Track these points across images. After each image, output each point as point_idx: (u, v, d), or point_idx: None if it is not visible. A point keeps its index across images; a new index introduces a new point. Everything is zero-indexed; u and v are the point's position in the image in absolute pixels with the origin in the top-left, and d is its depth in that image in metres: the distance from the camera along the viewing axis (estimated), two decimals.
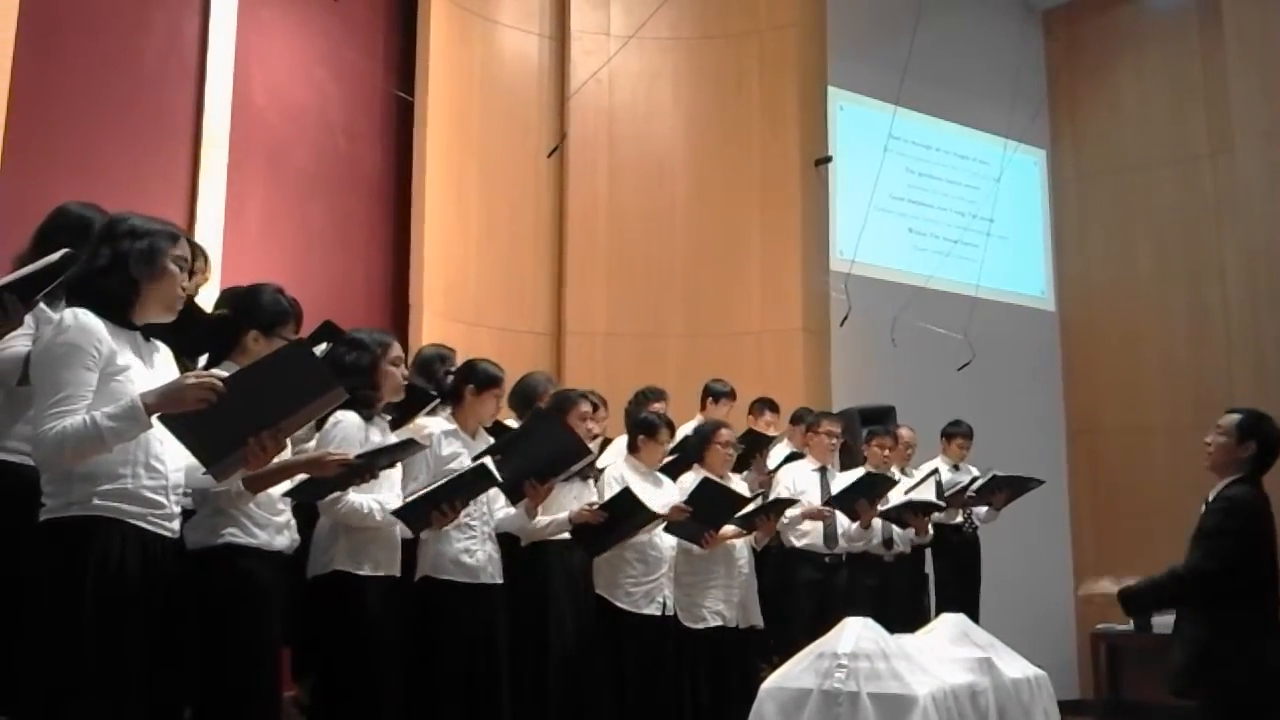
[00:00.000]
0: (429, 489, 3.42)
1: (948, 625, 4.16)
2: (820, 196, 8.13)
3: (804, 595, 5.64)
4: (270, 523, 2.93)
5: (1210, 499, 3.81)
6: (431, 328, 6.65)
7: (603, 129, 7.87)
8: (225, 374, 2.49)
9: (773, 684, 3.62)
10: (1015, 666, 4.02)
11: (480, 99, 7.49)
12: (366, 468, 3.00)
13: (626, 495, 4.35)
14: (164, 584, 2.46)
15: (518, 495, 3.94)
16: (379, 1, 7.27)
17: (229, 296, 3.41)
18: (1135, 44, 9.74)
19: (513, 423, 4.70)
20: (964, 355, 8.19)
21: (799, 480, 5.74)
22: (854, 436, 6.79)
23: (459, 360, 4.35)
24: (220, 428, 2.39)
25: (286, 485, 2.90)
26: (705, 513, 4.67)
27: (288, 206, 6.54)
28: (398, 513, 3.38)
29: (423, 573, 3.78)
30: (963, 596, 6.29)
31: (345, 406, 3.05)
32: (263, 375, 2.47)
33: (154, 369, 2.54)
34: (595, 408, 4.91)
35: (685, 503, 4.63)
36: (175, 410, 2.35)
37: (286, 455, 2.71)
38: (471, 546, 3.83)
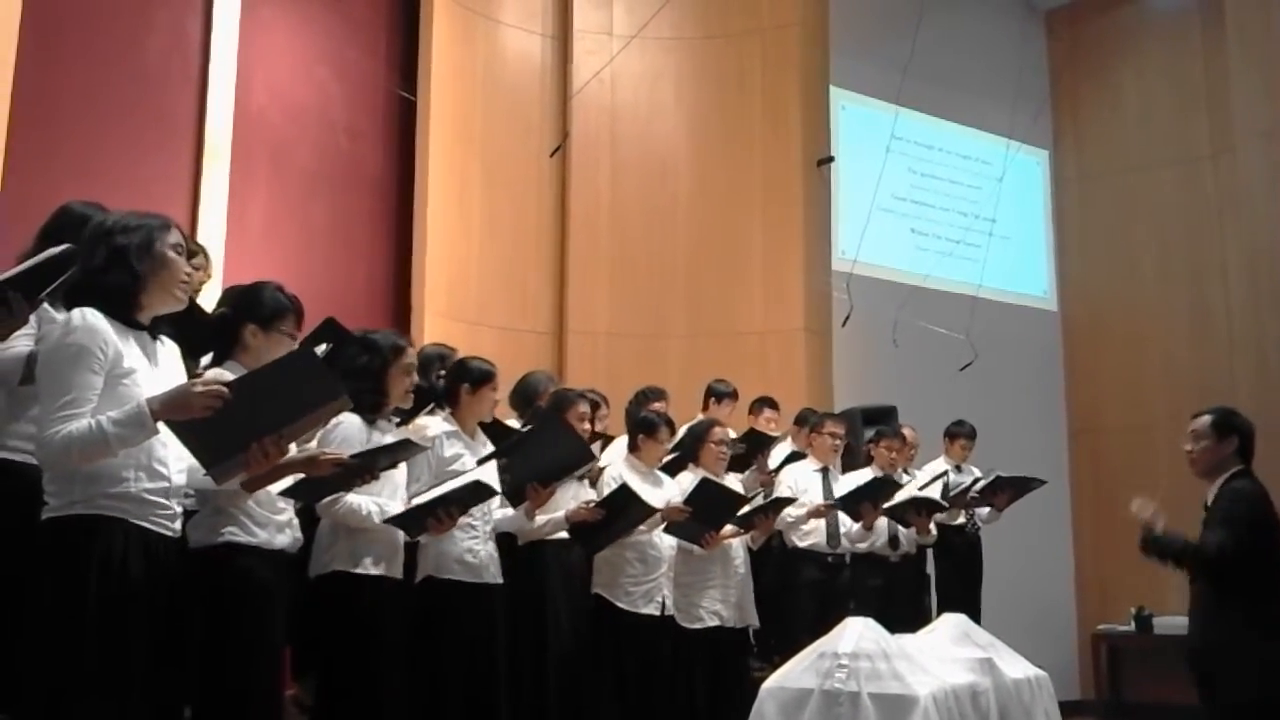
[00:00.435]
0: (427, 500, 3.41)
1: (949, 625, 4.16)
2: (822, 196, 8.13)
3: (807, 595, 5.64)
4: (271, 521, 2.93)
5: (1210, 498, 3.80)
6: (433, 327, 6.65)
7: (605, 128, 7.87)
8: (230, 377, 2.49)
9: (774, 684, 3.62)
10: (1016, 667, 4.02)
11: (483, 99, 7.49)
12: (365, 468, 3.00)
13: (624, 491, 4.36)
14: (166, 583, 2.46)
15: (519, 498, 3.94)
16: (381, 1, 7.28)
17: (229, 295, 3.41)
18: (1137, 44, 9.73)
19: (513, 422, 4.71)
20: (966, 355, 8.19)
21: (801, 481, 5.74)
22: (856, 437, 6.78)
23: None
24: (224, 432, 2.39)
25: (285, 484, 2.89)
26: (705, 513, 4.67)
27: (290, 206, 6.55)
28: (393, 520, 3.38)
29: (426, 573, 3.77)
30: (964, 597, 6.29)
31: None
32: (268, 380, 2.47)
33: (160, 368, 2.54)
34: (596, 406, 4.92)
35: (685, 503, 4.63)
36: (181, 417, 2.35)
37: (291, 453, 2.71)
38: (475, 546, 3.83)
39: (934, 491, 5.96)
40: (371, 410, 3.40)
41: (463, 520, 3.69)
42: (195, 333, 2.83)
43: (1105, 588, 8.91)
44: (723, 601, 4.92)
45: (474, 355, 4.18)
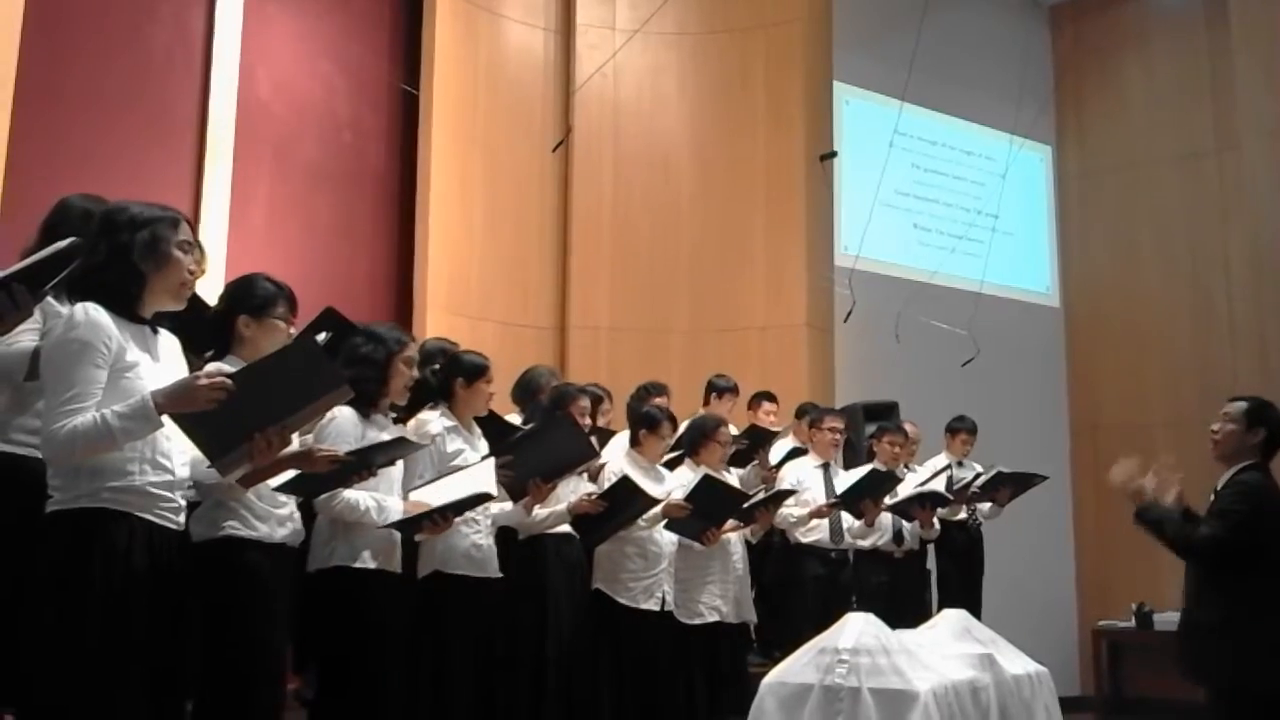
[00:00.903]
0: (431, 508, 3.41)
1: (949, 621, 4.17)
2: (825, 192, 8.12)
3: (810, 591, 5.64)
4: (271, 515, 2.93)
5: (1220, 485, 3.80)
6: (435, 321, 6.66)
7: (607, 124, 7.87)
8: (231, 369, 2.50)
9: (774, 679, 3.63)
10: (1017, 662, 4.03)
11: (485, 93, 7.49)
12: (362, 465, 3.00)
13: (625, 483, 4.36)
14: (170, 576, 2.47)
15: (521, 493, 3.95)
16: None
17: (224, 290, 3.41)
18: (1141, 40, 9.71)
19: (515, 416, 4.72)
20: (968, 351, 8.19)
21: (802, 477, 5.75)
22: (858, 432, 6.79)
23: None
24: (227, 424, 2.39)
25: (281, 479, 2.89)
26: (706, 509, 4.67)
27: (293, 200, 6.55)
28: (393, 525, 3.38)
29: (432, 567, 3.77)
30: (965, 592, 6.30)
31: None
32: (271, 371, 2.47)
33: (161, 362, 2.54)
34: (599, 401, 4.92)
35: (686, 499, 4.63)
36: (186, 410, 2.36)
37: (294, 448, 2.71)
38: (479, 541, 3.85)
39: (937, 485, 5.97)
40: (369, 403, 3.39)
41: (466, 514, 3.70)
42: (194, 330, 2.82)
43: (1106, 584, 8.92)
44: (722, 597, 4.92)
45: (468, 349, 4.18)
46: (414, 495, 3.54)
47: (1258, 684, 3.54)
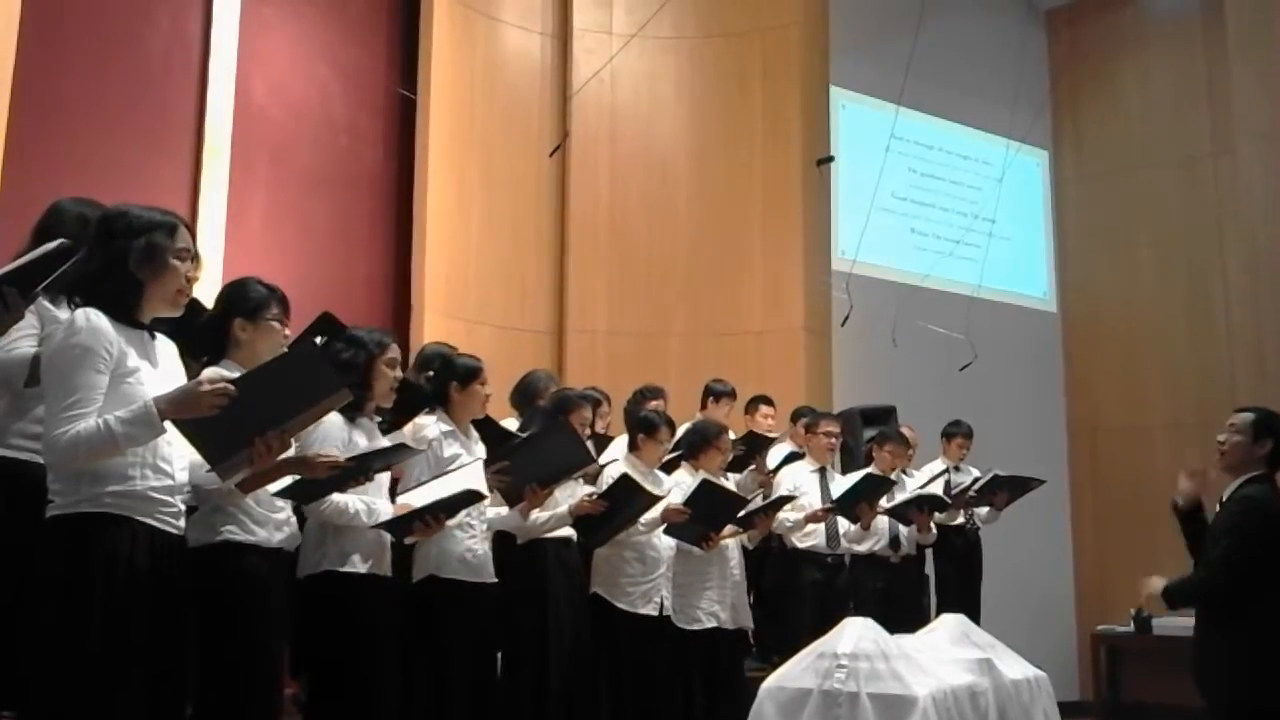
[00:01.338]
0: (418, 509, 3.41)
1: (948, 626, 4.16)
2: (822, 196, 8.12)
3: (807, 596, 5.64)
4: (269, 520, 2.93)
5: (1224, 498, 3.80)
6: (433, 326, 6.65)
7: (604, 128, 7.87)
8: (232, 375, 2.49)
9: (773, 684, 3.62)
10: (1015, 667, 4.02)
11: (482, 97, 7.49)
12: (359, 470, 3.00)
13: (625, 481, 4.35)
14: (171, 580, 2.47)
15: (516, 498, 3.94)
16: None
17: (218, 294, 3.40)
18: (1138, 44, 9.73)
19: (512, 421, 4.71)
20: (965, 356, 8.19)
21: (799, 481, 5.75)
22: (855, 437, 6.78)
23: None
24: (228, 428, 2.41)
25: (280, 484, 2.89)
26: (705, 514, 4.66)
27: (290, 204, 6.54)
28: (383, 525, 3.37)
29: (426, 572, 3.77)
30: (963, 597, 6.29)
31: None
32: (272, 376, 2.48)
33: (160, 368, 2.54)
34: (598, 404, 4.91)
35: (684, 504, 4.63)
36: (189, 416, 2.37)
37: (290, 454, 2.71)
38: (474, 545, 3.83)
39: (936, 490, 5.97)
40: (353, 406, 3.37)
41: (461, 519, 3.69)
42: (189, 334, 2.82)
43: (1105, 588, 8.91)
44: (719, 603, 4.91)
45: (462, 352, 4.17)
46: (403, 498, 3.53)
47: (1256, 699, 3.53)
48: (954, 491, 6.13)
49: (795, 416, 6.39)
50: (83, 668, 2.30)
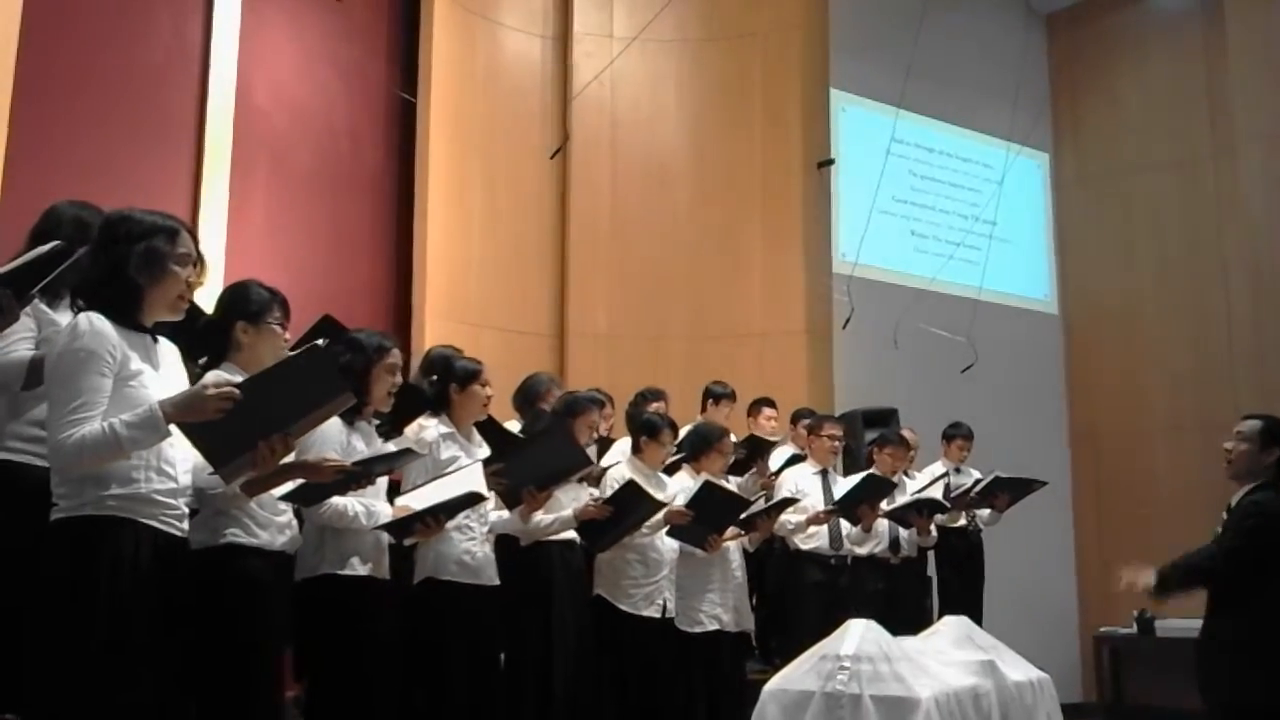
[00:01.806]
0: (418, 511, 3.41)
1: (951, 627, 4.16)
2: (823, 199, 8.13)
3: (810, 598, 5.63)
4: (272, 523, 2.93)
5: (1232, 504, 3.79)
6: (434, 329, 6.65)
7: (605, 131, 7.88)
8: (237, 379, 2.50)
9: (775, 686, 3.62)
10: (1018, 669, 4.01)
11: (483, 100, 7.50)
12: (364, 474, 3.00)
13: (631, 487, 4.35)
14: (176, 582, 2.47)
15: (515, 501, 3.93)
16: (382, 2, 7.28)
17: (219, 297, 3.40)
18: (1138, 47, 9.74)
19: (515, 424, 4.70)
20: (967, 358, 8.19)
21: (801, 484, 5.74)
22: (857, 439, 6.77)
23: None
24: (232, 432, 2.41)
25: (285, 488, 2.89)
26: (708, 516, 4.66)
27: (290, 207, 6.54)
28: (383, 527, 3.37)
29: (424, 574, 3.77)
30: (966, 599, 6.28)
31: None
32: (276, 380, 2.48)
33: (162, 371, 2.54)
34: (602, 405, 4.91)
35: (687, 506, 4.62)
36: (194, 419, 2.37)
37: (290, 458, 2.70)
38: (472, 548, 3.83)
39: (935, 493, 5.96)
40: (352, 411, 3.36)
41: (460, 522, 3.69)
42: (189, 337, 2.82)
43: (1107, 590, 8.85)
44: (722, 605, 4.90)
45: (462, 355, 4.17)
46: (401, 500, 3.52)
47: (1257, 699, 3.52)
48: (955, 493, 6.13)
49: (795, 418, 6.39)
50: (86, 669, 2.30)
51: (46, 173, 5.16)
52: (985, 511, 6.40)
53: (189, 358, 2.83)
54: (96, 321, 2.40)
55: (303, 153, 6.66)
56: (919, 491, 5.98)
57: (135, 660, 2.34)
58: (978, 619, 5.66)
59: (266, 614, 2.87)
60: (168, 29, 6.05)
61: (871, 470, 5.93)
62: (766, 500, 5.29)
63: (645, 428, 4.87)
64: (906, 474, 6.38)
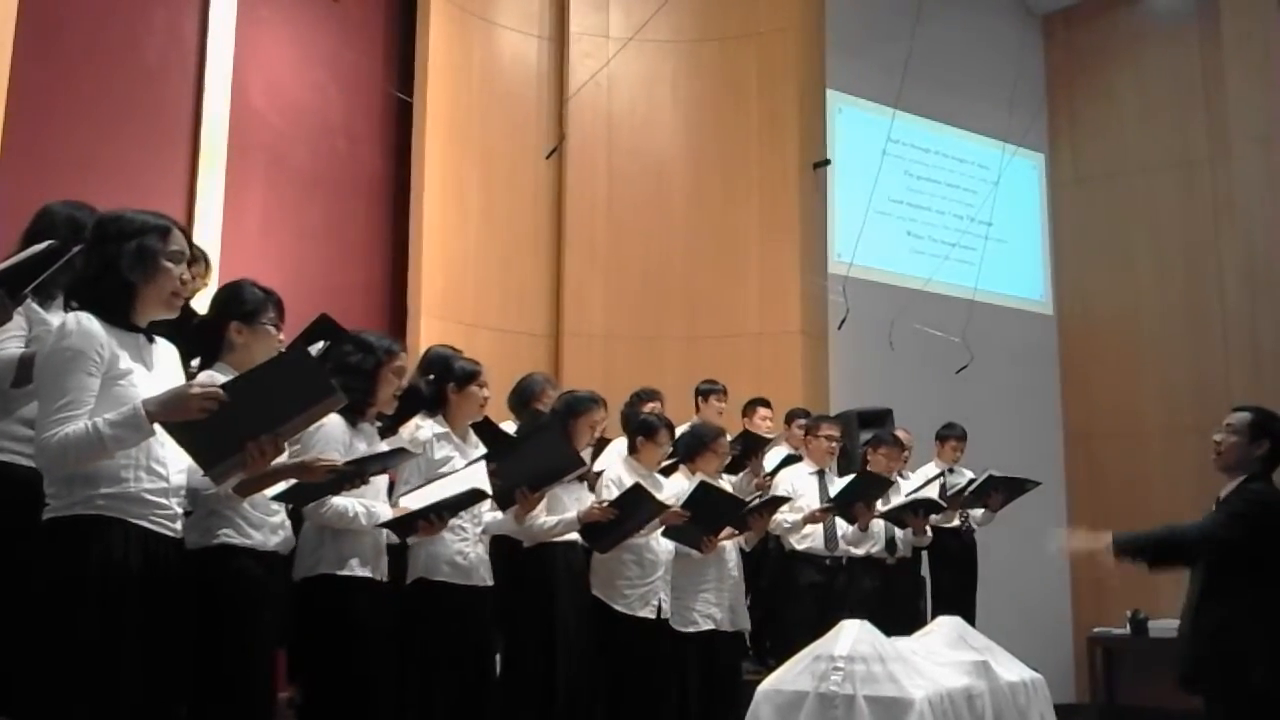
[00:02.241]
0: (421, 508, 3.41)
1: (944, 628, 4.17)
2: (818, 199, 8.14)
3: (805, 598, 5.63)
4: (265, 523, 2.93)
5: (1221, 497, 3.79)
6: (429, 329, 6.65)
7: (601, 131, 7.88)
8: (224, 379, 2.49)
9: (769, 686, 3.62)
10: (1012, 670, 4.02)
11: (479, 100, 7.49)
12: (357, 474, 3.00)
13: (637, 490, 4.35)
14: (167, 583, 2.47)
15: (508, 502, 3.94)
16: (378, 2, 7.28)
17: (213, 297, 3.40)
18: (1134, 48, 9.75)
19: (509, 425, 4.70)
20: (962, 358, 8.19)
21: (797, 484, 5.74)
22: (851, 440, 6.78)
23: None
24: (220, 433, 2.40)
25: (278, 488, 2.89)
26: (703, 516, 4.66)
27: (286, 207, 6.54)
28: (386, 524, 3.37)
29: (416, 575, 3.77)
30: (959, 599, 6.27)
31: None
32: (263, 380, 2.47)
33: (156, 370, 2.54)
34: (601, 404, 4.90)
35: (683, 507, 4.62)
36: (178, 419, 2.36)
37: (282, 459, 2.70)
38: (464, 549, 3.83)
39: (931, 492, 5.97)
40: (356, 411, 3.38)
41: (452, 522, 3.68)
42: (182, 337, 2.82)
43: (1100, 591, 8.90)
44: (717, 605, 4.91)
45: (461, 355, 4.17)
46: (403, 500, 3.53)
47: (1255, 684, 3.52)
48: (949, 494, 6.13)
49: (789, 418, 6.39)
50: (79, 670, 2.29)
51: (41, 172, 5.15)
52: (979, 511, 6.41)
53: (185, 359, 2.83)
54: (84, 321, 2.40)
55: (298, 152, 6.66)
56: (914, 492, 5.99)
57: (126, 660, 2.34)
58: (971, 619, 5.66)
59: (259, 615, 2.87)
60: (163, 29, 6.04)
61: (867, 468, 5.94)
62: (760, 499, 5.29)
63: (642, 428, 4.87)
64: (901, 474, 6.39)
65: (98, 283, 2.47)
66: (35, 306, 2.82)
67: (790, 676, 3.59)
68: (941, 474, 6.48)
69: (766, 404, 6.35)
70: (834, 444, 5.94)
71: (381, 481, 3.48)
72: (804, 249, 7.79)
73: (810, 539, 5.71)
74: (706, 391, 6.15)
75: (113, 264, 2.47)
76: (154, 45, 6.00)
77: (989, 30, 9.65)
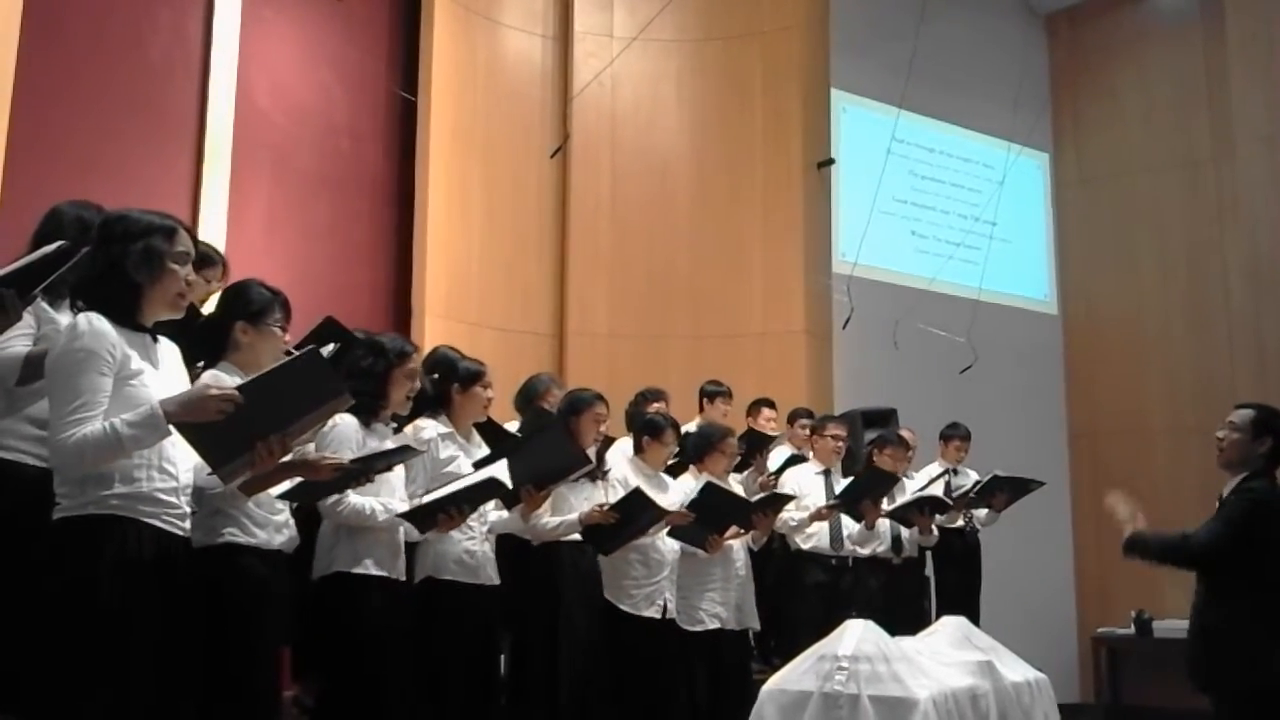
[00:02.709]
0: (442, 494, 3.42)
1: (949, 628, 4.16)
2: (823, 199, 8.13)
3: (811, 598, 5.63)
4: (269, 522, 2.94)
5: (1225, 494, 3.79)
6: (434, 328, 6.66)
7: (605, 130, 7.88)
8: (228, 379, 2.50)
9: (774, 686, 3.62)
10: (1016, 670, 4.02)
11: (483, 100, 7.50)
12: (362, 472, 3.01)
13: (637, 495, 4.35)
14: (178, 581, 2.47)
15: (514, 500, 3.94)
16: (382, 2, 7.28)
17: (219, 297, 3.40)
18: (1138, 47, 9.74)
19: (513, 425, 4.70)
20: (966, 358, 8.19)
21: (803, 484, 5.74)
22: (856, 439, 6.77)
23: None
24: (231, 432, 2.41)
25: (283, 487, 2.90)
26: (709, 517, 4.66)
27: (291, 207, 6.55)
28: (405, 515, 3.38)
29: (424, 573, 3.78)
30: (964, 599, 6.27)
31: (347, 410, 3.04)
32: (276, 382, 2.49)
33: (162, 370, 2.54)
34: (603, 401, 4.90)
35: (688, 507, 4.62)
36: (195, 420, 2.38)
37: (289, 457, 2.71)
38: (472, 547, 3.83)
39: (937, 491, 5.96)
40: (369, 413, 3.39)
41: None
42: (186, 336, 2.82)
43: (1105, 591, 8.91)
44: (723, 604, 4.90)
45: (464, 355, 4.17)
46: (426, 499, 3.53)
47: (1263, 681, 3.52)
48: (954, 494, 6.13)
49: (792, 418, 6.39)
50: (91, 669, 2.30)
51: (47, 172, 5.16)
52: (983, 511, 6.41)
53: (188, 359, 2.83)
54: (96, 321, 2.41)
55: (303, 152, 6.66)
56: (919, 491, 5.98)
57: (137, 659, 2.34)
58: (975, 619, 5.66)
59: (263, 613, 2.87)
60: (168, 28, 6.05)
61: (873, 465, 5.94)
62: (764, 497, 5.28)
63: (647, 428, 4.86)
64: (905, 474, 6.38)
65: (103, 283, 2.48)
66: (44, 305, 2.82)
67: (795, 676, 3.59)
68: (946, 474, 6.47)
69: (771, 404, 6.33)
70: (840, 444, 5.93)
71: (398, 479, 3.49)
72: (808, 248, 7.79)
73: (816, 539, 5.71)
74: (712, 393, 6.16)
75: (118, 264, 2.47)
76: (158, 44, 6.00)
77: (993, 30, 9.65)
